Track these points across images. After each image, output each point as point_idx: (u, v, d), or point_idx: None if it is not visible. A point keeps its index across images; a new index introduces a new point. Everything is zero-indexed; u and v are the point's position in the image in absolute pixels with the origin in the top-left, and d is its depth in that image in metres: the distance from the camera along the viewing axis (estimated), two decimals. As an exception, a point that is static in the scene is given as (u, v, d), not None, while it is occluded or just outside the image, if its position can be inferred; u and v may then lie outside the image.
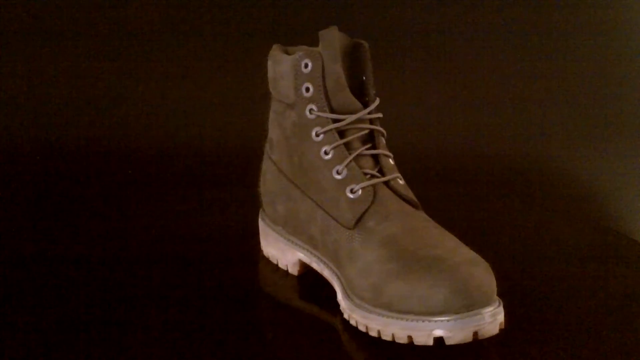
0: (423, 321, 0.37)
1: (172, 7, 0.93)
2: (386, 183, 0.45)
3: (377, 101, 0.47)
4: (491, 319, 0.36)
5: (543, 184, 0.99)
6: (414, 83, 0.96)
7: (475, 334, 0.36)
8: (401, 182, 0.46)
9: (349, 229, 0.43)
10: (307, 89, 0.46)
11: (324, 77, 0.45)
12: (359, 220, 0.43)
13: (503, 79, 0.99)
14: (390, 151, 0.47)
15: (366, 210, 0.43)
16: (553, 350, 0.40)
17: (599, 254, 0.59)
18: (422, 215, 0.45)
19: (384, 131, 0.47)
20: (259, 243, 0.55)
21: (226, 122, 0.95)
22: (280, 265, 0.52)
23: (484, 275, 0.38)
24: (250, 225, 0.57)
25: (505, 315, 0.38)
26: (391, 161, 0.46)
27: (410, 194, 0.45)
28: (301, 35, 0.97)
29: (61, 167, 0.87)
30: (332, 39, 0.45)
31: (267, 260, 0.54)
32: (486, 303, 0.37)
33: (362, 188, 0.43)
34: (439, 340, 0.36)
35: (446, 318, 0.36)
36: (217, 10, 0.94)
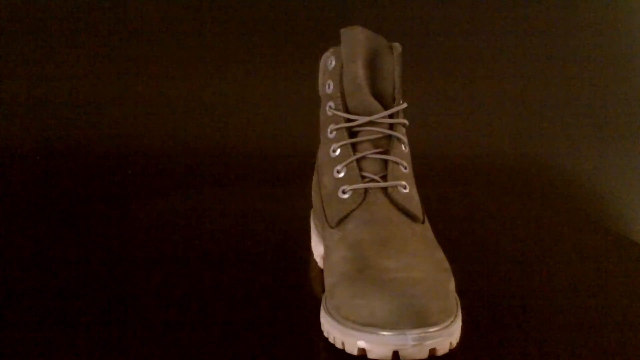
0: (353, 329, 0.36)
1: (172, 7, 0.93)
2: (384, 189, 0.43)
3: (400, 106, 0.45)
4: (415, 342, 0.34)
5: (543, 184, 0.99)
6: (414, 83, 0.96)
7: (396, 353, 0.34)
8: (404, 190, 0.43)
9: (331, 227, 0.43)
10: (329, 86, 0.46)
11: (341, 76, 0.45)
12: (341, 220, 0.43)
13: (503, 79, 0.99)
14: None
15: (350, 213, 0.43)
16: (553, 350, 0.40)
17: (598, 255, 0.59)
18: (413, 227, 0.43)
19: (401, 137, 0.45)
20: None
21: (226, 122, 0.95)
22: (314, 257, 0.53)
23: (421, 296, 0.35)
24: (253, 224, 0.57)
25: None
26: (403, 169, 0.44)
27: (410, 205, 0.43)
28: (302, 37, 0.97)
29: (61, 167, 0.87)
30: (352, 37, 0.44)
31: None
32: (414, 325, 0.34)
33: (353, 190, 0.43)
34: (362, 352, 0.36)
35: (369, 331, 0.35)
36: (217, 11, 0.94)
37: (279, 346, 0.40)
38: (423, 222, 0.44)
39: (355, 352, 0.36)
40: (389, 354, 0.35)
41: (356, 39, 0.45)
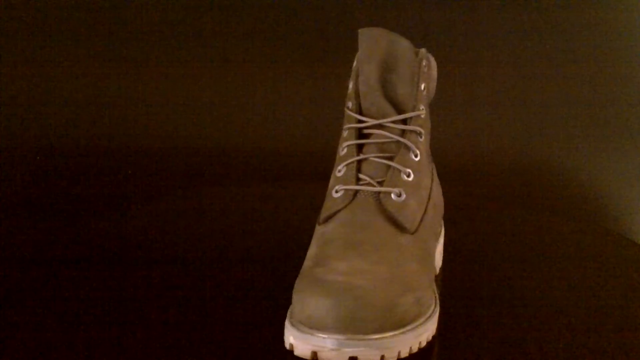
0: (291, 325, 0.36)
1: (172, 7, 0.93)
2: (377, 194, 0.43)
3: (412, 113, 0.44)
4: (334, 346, 0.34)
5: (543, 184, 0.99)
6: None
7: (315, 354, 0.34)
8: (398, 198, 0.42)
9: (319, 224, 0.44)
10: (350, 86, 0.46)
11: (357, 76, 0.45)
12: (327, 218, 0.43)
13: (503, 79, 0.99)
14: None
15: (336, 212, 0.43)
16: (553, 350, 0.40)
17: (598, 255, 0.59)
18: (396, 236, 0.41)
19: (410, 144, 0.44)
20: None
21: (226, 122, 0.95)
22: None
23: (352, 303, 0.34)
24: (253, 224, 0.57)
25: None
26: (405, 177, 0.43)
27: (399, 214, 0.42)
28: (303, 37, 0.97)
29: (61, 167, 0.87)
30: (369, 38, 0.44)
31: None
32: (337, 330, 0.34)
33: (345, 190, 0.43)
34: (292, 347, 0.36)
35: (299, 328, 0.35)
36: (217, 11, 0.94)
37: (277, 345, 0.40)
38: (414, 233, 0.42)
39: (288, 347, 0.36)
40: (308, 353, 0.35)
41: (373, 40, 0.44)
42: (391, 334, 0.35)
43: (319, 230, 0.43)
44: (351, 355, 0.34)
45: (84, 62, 0.93)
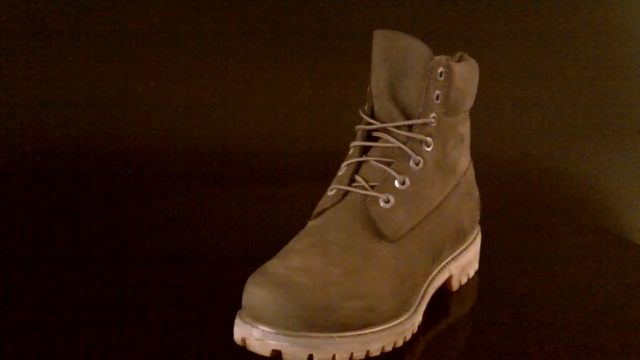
0: (239, 311, 0.38)
1: (172, 7, 0.93)
2: (365, 198, 0.42)
3: (416, 121, 0.43)
4: (259, 336, 0.35)
5: (543, 184, 0.99)
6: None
7: (243, 340, 0.36)
8: (385, 205, 0.41)
9: (309, 220, 0.44)
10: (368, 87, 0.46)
11: (371, 78, 0.45)
12: (316, 215, 0.44)
13: (503, 79, 0.99)
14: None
15: (324, 210, 0.43)
16: (552, 351, 0.40)
17: (598, 255, 0.59)
18: (372, 242, 0.40)
19: (411, 152, 0.43)
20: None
21: (226, 122, 0.95)
22: None
23: (284, 297, 0.35)
24: (253, 224, 0.57)
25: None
26: (399, 184, 0.42)
27: (382, 221, 0.41)
28: (303, 37, 0.97)
29: (61, 167, 0.87)
30: (382, 40, 0.44)
31: None
32: (264, 322, 0.35)
33: (337, 190, 0.43)
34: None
35: (239, 314, 0.37)
36: (217, 11, 0.94)
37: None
38: (395, 242, 0.41)
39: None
40: (240, 339, 0.36)
41: (386, 42, 0.43)
42: (325, 335, 0.35)
43: (306, 225, 0.44)
44: (274, 347, 0.34)
45: (84, 62, 0.92)
